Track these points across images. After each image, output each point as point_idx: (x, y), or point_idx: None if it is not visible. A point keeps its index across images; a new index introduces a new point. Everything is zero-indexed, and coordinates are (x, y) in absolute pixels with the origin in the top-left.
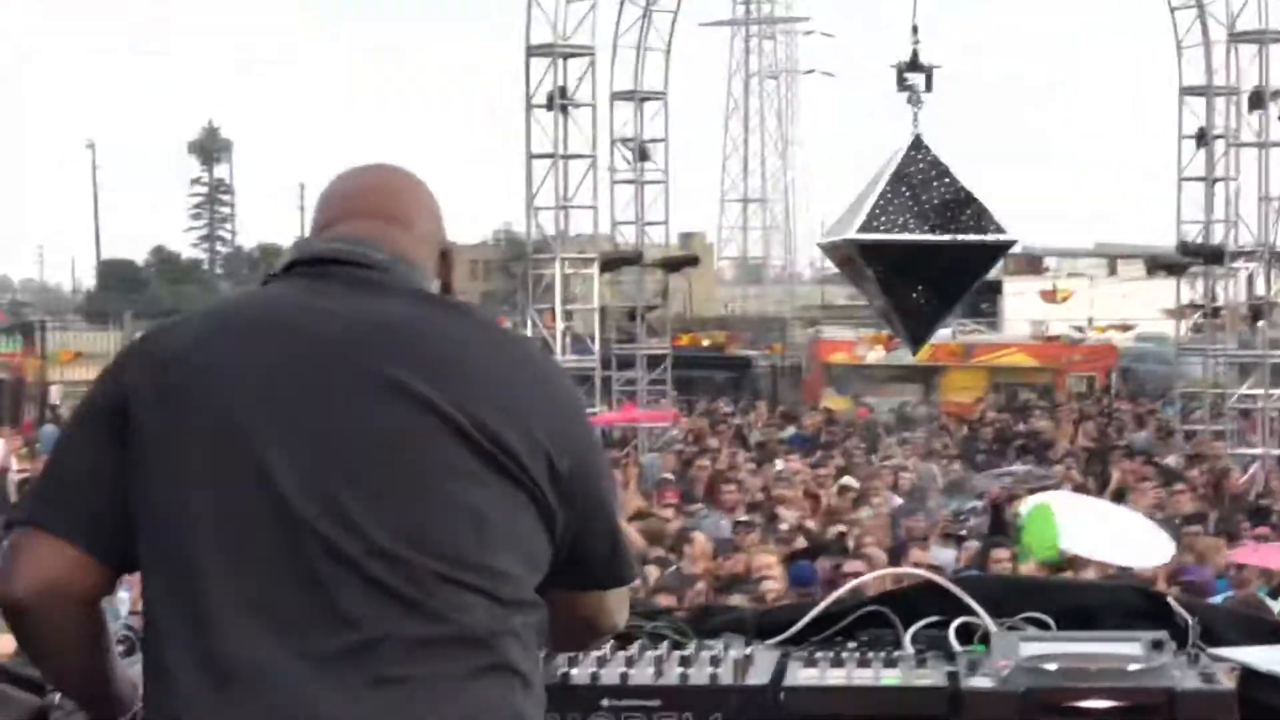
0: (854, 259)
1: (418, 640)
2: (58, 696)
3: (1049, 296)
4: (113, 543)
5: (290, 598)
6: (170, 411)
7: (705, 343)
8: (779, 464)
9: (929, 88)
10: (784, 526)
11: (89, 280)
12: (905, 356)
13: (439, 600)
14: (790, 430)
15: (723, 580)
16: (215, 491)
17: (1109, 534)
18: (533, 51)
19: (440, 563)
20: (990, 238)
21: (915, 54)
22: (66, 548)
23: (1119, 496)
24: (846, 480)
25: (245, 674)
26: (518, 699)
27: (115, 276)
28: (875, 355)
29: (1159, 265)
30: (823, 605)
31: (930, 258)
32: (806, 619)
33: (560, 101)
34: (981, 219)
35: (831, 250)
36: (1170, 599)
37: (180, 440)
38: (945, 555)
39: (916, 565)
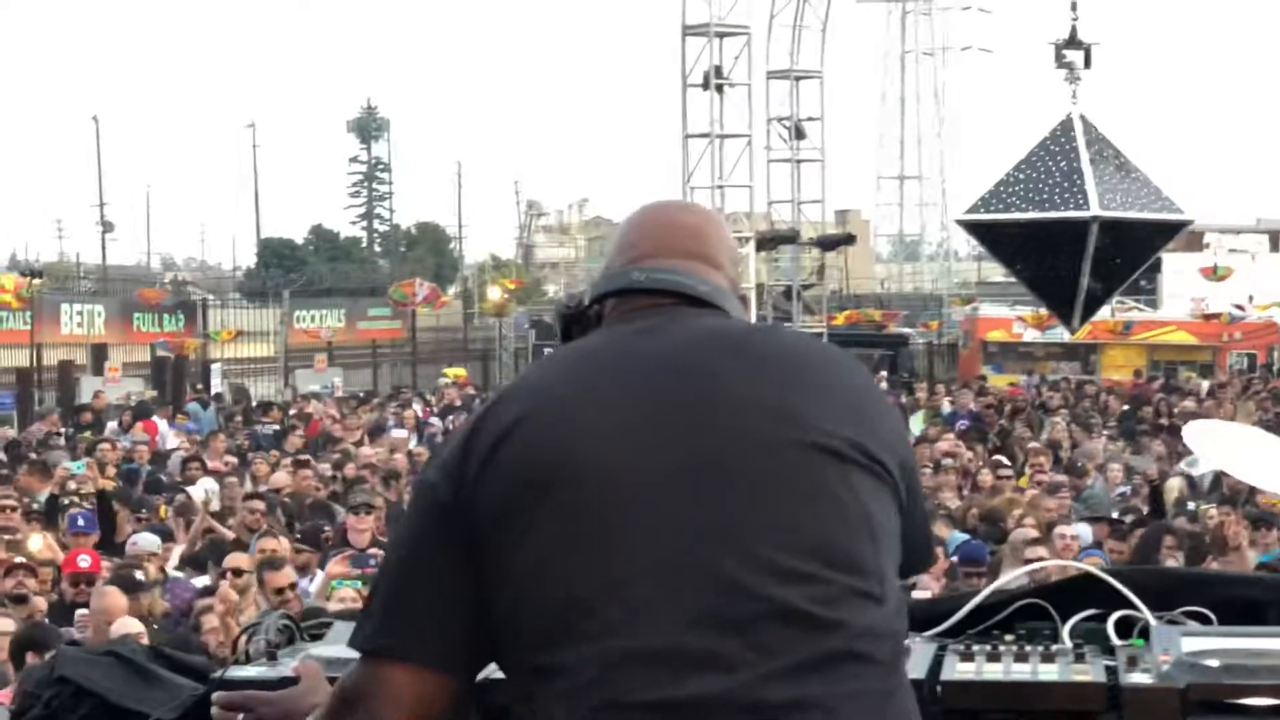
0: (1004, 234)
1: (835, 655)
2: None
3: (1209, 273)
4: (469, 655)
5: (701, 646)
6: (537, 498)
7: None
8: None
9: (1088, 64)
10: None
11: (249, 259)
12: (1064, 333)
13: (849, 615)
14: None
15: None
16: (612, 566)
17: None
18: (688, 31)
19: (850, 576)
20: (1168, 216)
21: (1074, 30)
22: (427, 676)
23: None
24: (999, 458)
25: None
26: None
27: (274, 254)
28: (1032, 333)
29: None
30: (979, 597)
31: (1107, 236)
32: (963, 611)
33: (716, 81)
34: (1158, 198)
35: (972, 227)
36: None
37: (555, 521)
38: (1084, 530)
39: (1061, 540)
